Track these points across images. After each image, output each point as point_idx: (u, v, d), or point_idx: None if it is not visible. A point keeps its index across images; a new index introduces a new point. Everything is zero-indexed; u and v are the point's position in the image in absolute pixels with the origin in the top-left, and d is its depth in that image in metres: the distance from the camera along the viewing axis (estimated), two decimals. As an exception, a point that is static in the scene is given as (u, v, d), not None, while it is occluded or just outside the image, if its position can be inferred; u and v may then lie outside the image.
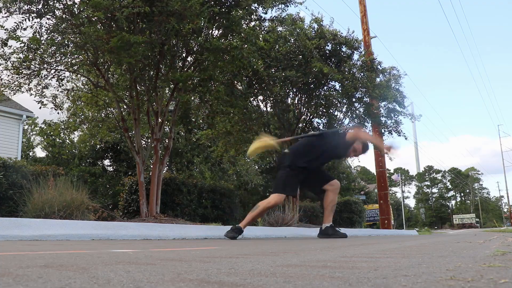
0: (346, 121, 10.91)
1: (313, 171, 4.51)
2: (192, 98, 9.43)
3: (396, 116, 10.38)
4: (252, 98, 9.72)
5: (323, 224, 4.53)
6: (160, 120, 6.98)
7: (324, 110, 10.28)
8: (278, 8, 7.36)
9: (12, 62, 6.34)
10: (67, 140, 19.62)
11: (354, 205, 17.56)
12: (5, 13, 5.77)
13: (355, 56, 9.92)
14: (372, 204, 26.40)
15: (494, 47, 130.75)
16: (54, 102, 7.74)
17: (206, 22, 6.01)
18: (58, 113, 8.06)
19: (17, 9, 5.76)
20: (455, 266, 1.21)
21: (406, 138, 10.59)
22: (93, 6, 5.25)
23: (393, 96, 9.57)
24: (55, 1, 5.93)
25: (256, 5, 6.60)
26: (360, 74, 9.62)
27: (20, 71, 6.45)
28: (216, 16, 6.34)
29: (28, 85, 6.82)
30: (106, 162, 19.07)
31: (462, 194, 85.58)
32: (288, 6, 7.42)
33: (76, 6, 5.95)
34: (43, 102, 7.21)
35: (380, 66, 10.08)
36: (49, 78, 6.98)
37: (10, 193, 6.41)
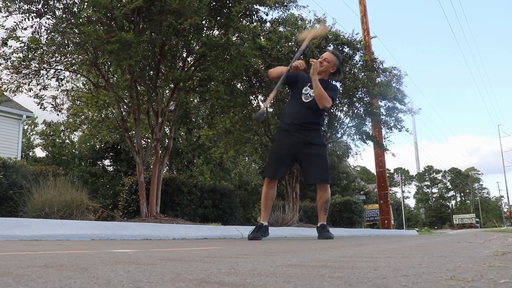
0: (347, 120, 10.92)
1: (306, 153, 3.76)
2: (192, 98, 9.43)
3: (396, 113, 10.40)
4: (253, 98, 9.72)
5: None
6: (160, 120, 6.98)
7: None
8: (280, 9, 7.33)
9: (11, 62, 6.33)
10: (67, 140, 19.62)
11: (354, 205, 17.56)
12: (5, 12, 5.76)
13: (357, 57, 9.92)
14: (372, 204, 26.39)
15: (494, 46, 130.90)
16: (53, 104, 7.72)
17: (205, 18, 5.98)
18: (57, 114, 8.02)
19: (16, 8, 5.75)
20: (455, 266, 1.21)
21: (407, 131, 10.64)
22: (92, 5, 5.25)
23: (393, 93, 9.57)
24: (55, 1, 5.92)
25: (257, 6, 6.58)
26: (361, 74, 9.61)
27: (20, 71, 6.45)
28: (216, 16, 6.33)
29: (28, 85, 6.81)
30: (106, 162, 19.08)
31: (462, 194, 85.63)
32: (288, 9, 7.41)
33: (76, 5, 5.95)
34: (43, 104, 7.19)
35: (382, 65, 10.08)
36: (49, 78, 6.97)
37: (10, 193, 6.42)
